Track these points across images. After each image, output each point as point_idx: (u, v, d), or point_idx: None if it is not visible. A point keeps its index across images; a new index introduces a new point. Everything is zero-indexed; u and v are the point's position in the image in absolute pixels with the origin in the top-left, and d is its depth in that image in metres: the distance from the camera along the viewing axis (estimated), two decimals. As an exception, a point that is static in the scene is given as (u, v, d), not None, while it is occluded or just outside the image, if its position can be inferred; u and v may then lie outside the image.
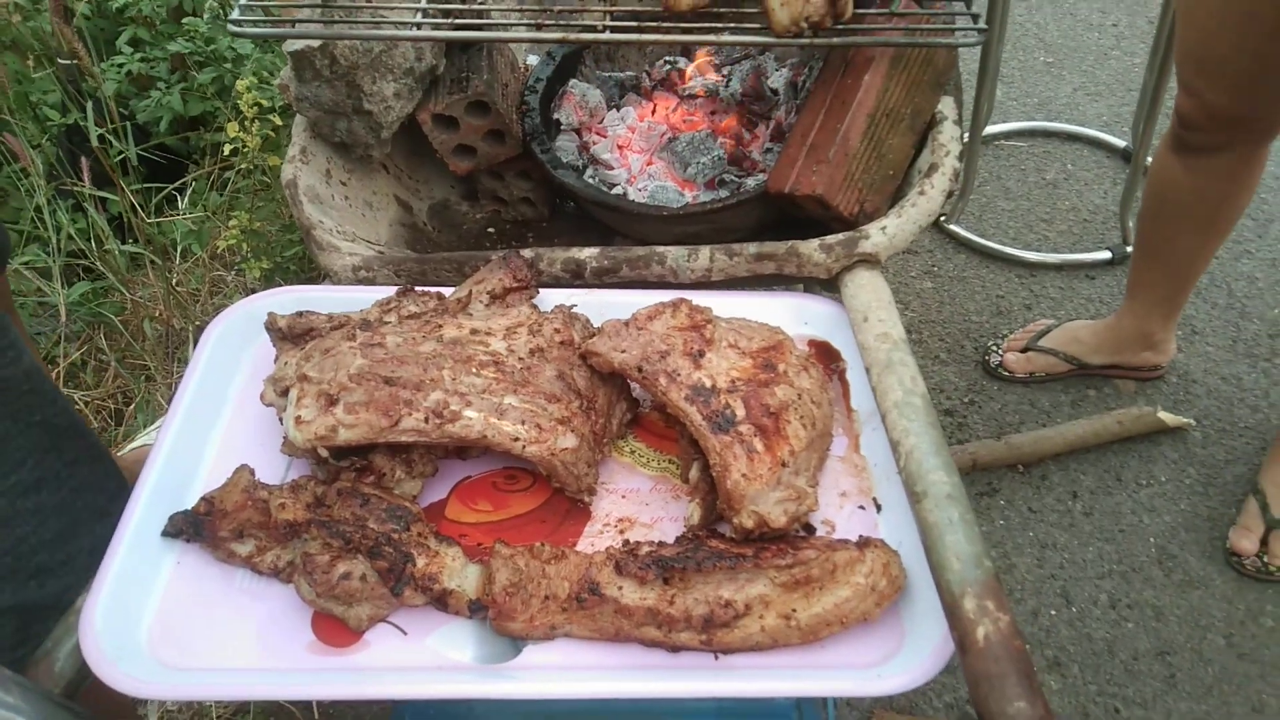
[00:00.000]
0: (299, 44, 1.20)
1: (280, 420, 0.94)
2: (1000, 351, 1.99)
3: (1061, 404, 1.93)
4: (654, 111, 1.55)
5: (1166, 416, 1.84)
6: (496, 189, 1.50)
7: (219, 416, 1.00)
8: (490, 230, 1.52)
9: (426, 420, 0.87)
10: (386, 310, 1.04)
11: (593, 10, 1.24)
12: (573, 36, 1.15)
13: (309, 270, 2.15)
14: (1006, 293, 2.17)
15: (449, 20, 1.20)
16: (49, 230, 2.17)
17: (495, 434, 0.88)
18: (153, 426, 1.86)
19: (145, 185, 2.22)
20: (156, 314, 2.12)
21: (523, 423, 0.89)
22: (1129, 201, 2.18)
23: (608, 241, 1.46)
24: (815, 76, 1.42)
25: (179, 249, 2.23)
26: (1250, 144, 1.55)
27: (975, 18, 1.16)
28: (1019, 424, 1.91)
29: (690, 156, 1.40)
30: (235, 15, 1.14)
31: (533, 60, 1.60)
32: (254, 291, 2.15)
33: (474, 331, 0.99)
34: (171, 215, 2.30)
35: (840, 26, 1.13)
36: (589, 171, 1.46)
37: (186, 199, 2.36)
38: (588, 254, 1.14)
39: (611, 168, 1.46)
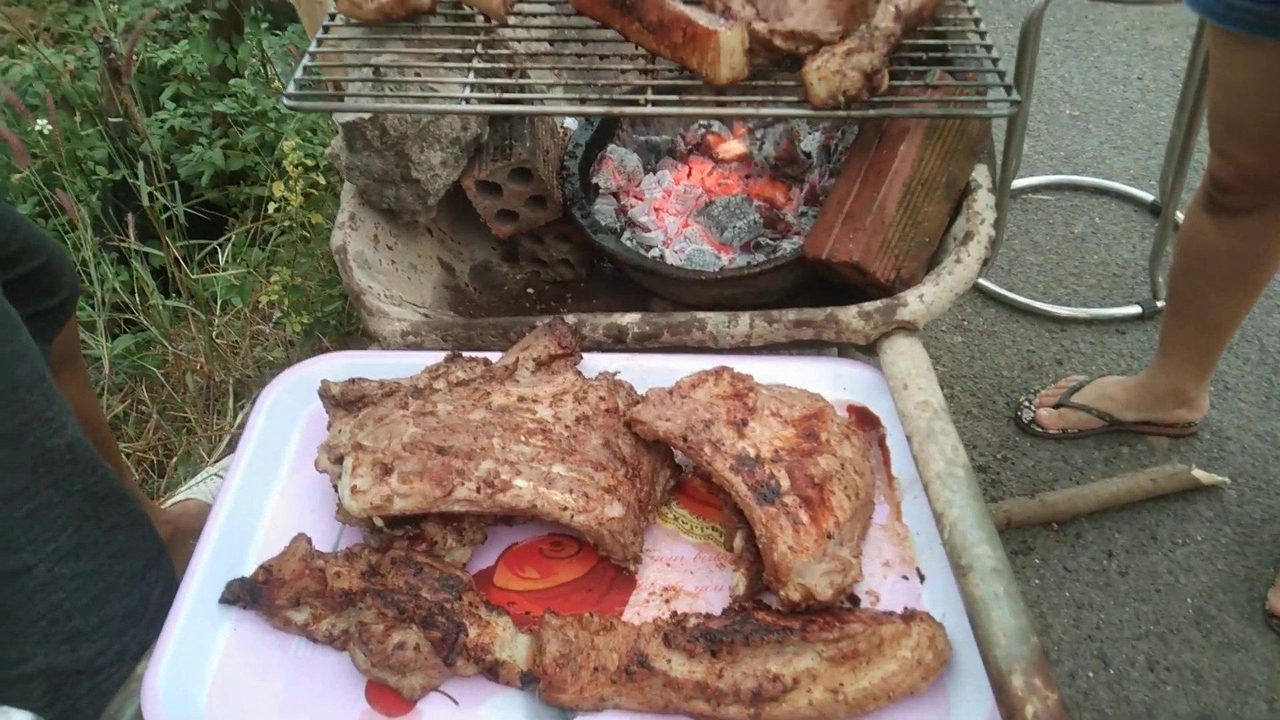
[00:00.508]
0: (351, 115, 1.24)
1: (334, 487, 0.96)
2: (1032, 407, 1.99)
3: (1095, 461, 1.93)
4: (689, 175, 1.58)
5: (1201, 474, 1.84)
6: (536, 251, 1.53)
7: (274, 482, 1.03)
8: (530, 291, 1.55)
9: (478, 490, 0.89)
10: (436, 376, 1.07)
11: (634, 83, 1.28)
12: (616, 110, 1.19)
13: (349, 324, 2.19)
14: (1037, 347, 2.18)
15: (495, 95, 1.24)
16: (94, 284, 2.23)
17: (544, 503, 0.90)
18: (195, 480, 1.89)
19: (189, 242, 2.27)
20: (198, 367, 2.16)
21: (570, 491, 0.91)
22: (1158, 257, 2.19)
23: (645, 302, 1.49)
24: (849, 142, 1.45)
25: (220, 302, 2.28)
26: (1284, 205, 1.56)
27: (1009, 89, 1.18)
28: (1052, 481, 1.91)
29: (726, 221, 1.43)
30: (291, 90, 1.18)
31: (571, 124, 1.64)
32: (293, 345, 2.19)
33: (521, 399, 1.01)
34: (213, 269, 2.35)
35: (876, 99, 1.16)
36: (626, 234, 1.49)
37: (228, 252, 2.41)
38: (629, 320, 1.16)
39: (648, 230, 1.49)
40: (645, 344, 1.17)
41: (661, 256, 1.44)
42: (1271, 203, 1.54)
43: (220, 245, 2.39)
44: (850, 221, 1.22)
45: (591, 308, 1.49)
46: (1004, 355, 2.16)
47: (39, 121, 2.26)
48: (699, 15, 1.17)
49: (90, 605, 1.09)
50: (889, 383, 1.07)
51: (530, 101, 1.23)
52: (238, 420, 2.11)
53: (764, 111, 1.18)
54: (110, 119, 2.45)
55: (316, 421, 1.08)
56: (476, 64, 1.25)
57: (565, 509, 0.90)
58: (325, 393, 1.04)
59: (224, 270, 2.33)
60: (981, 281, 2.30)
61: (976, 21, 1.32)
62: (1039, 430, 1.97)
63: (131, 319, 2.26)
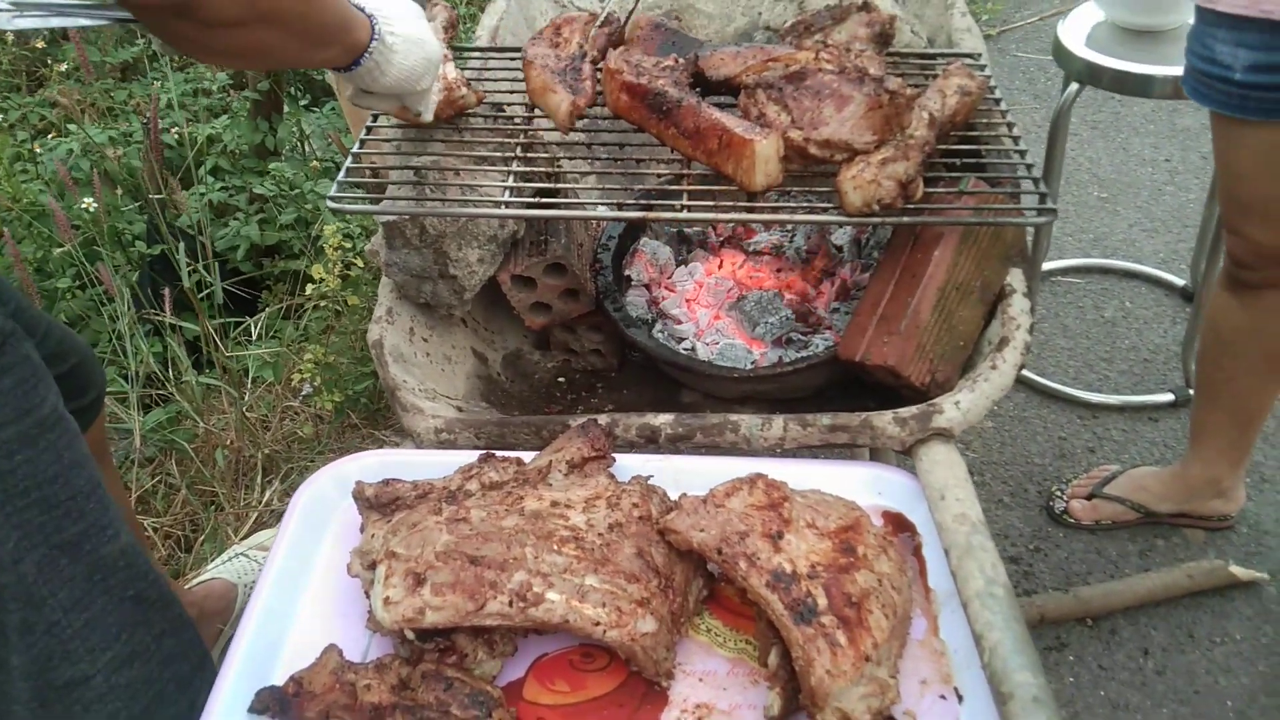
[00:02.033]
0: (390, 215, 1.27)
1: (366, 594, 0.96)
2: (1065, 497, 1.97)
3: (1129, 554, 1.90)
4: (721, 267, 1.59)
5: (1238, 571, 1.80)
6: (568, 341, 1.54)
7: (306, 585, 1.03)
8: (561, 380, 1.55)
9: (510, 604, 0.89)
10: (469, 477, 1.07)
11: (669, 188, 1.29)
12: (652, 216, 1.20)
13: (378, 403, 2.20)
14: (1069, 434, 2.16)
15: (534, 199, 1.26)
16: (128, 357, 2.26)
17: (577, 618, 0.89)
18: (221, 559, 1.89)
19: (224, 320, 2.30)
20: (228, 442, 2.18)
21: (603, 605, 0.90)
22: (1191, 344, 2.18)
23: (676, 393, 1.49)
24: (881, 238, 1.46)
25: (251, 376, 2.31)
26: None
27: (1043, 196, 1.19)
28: (1086, 574, 1.87)
29: (758, 316, 1.43)
30: (334, 192, 1.21)
31: (604, 210, 1.66)
32: (324, 421, 2.21)
33: (554, 504, 1.01)
34: (246, 341, 2.38)
35: (910, 206, 1.17)
36: (658, 325, 1.50)
37: (260, 325, 2.45)
38: (662, 420, 1.17)
39: (680, 322, 1.50)
40: (678, 445, 1.17)
41: (693, 349, 1.45)
42: None
43: (254, 321, 2.42)
44: (884, 324, 1.22)
45: (623, 398, 1.50)
46: (1035, 442, 2.14)
47: (85, 199, 2.31)
48: (735, 123, 1.19)
49: (143, 714, 1.09)
50: (926, 492, 1.06)
51: (566, 206, 1.25)
52: (265, 498, 2.12)
53: (798, 219, 1.19)
54: (151, 195, 2.51)
55: (350, 522, 1.08)
56: (515, 166, 1.28)
57: (598, 624, 0.89)
58: (359, 495, 1.04)
59: (257, 344, 2.36)
60: (1011, 365, 2.29)
61: (1010, 125, 1.33)
62: (1072, 521, 1.94)
63: (164, 393, 2.29)
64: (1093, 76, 1.90)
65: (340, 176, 1.24)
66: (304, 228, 2.67)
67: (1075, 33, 1.98)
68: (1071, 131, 2.38)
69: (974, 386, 1.14)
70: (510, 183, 1.28)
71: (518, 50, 1.54)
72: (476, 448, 1.19)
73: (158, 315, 2.26)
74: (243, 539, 2.04)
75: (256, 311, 2.56)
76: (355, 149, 1.30)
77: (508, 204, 1.20)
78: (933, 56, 1.52)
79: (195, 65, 3.47)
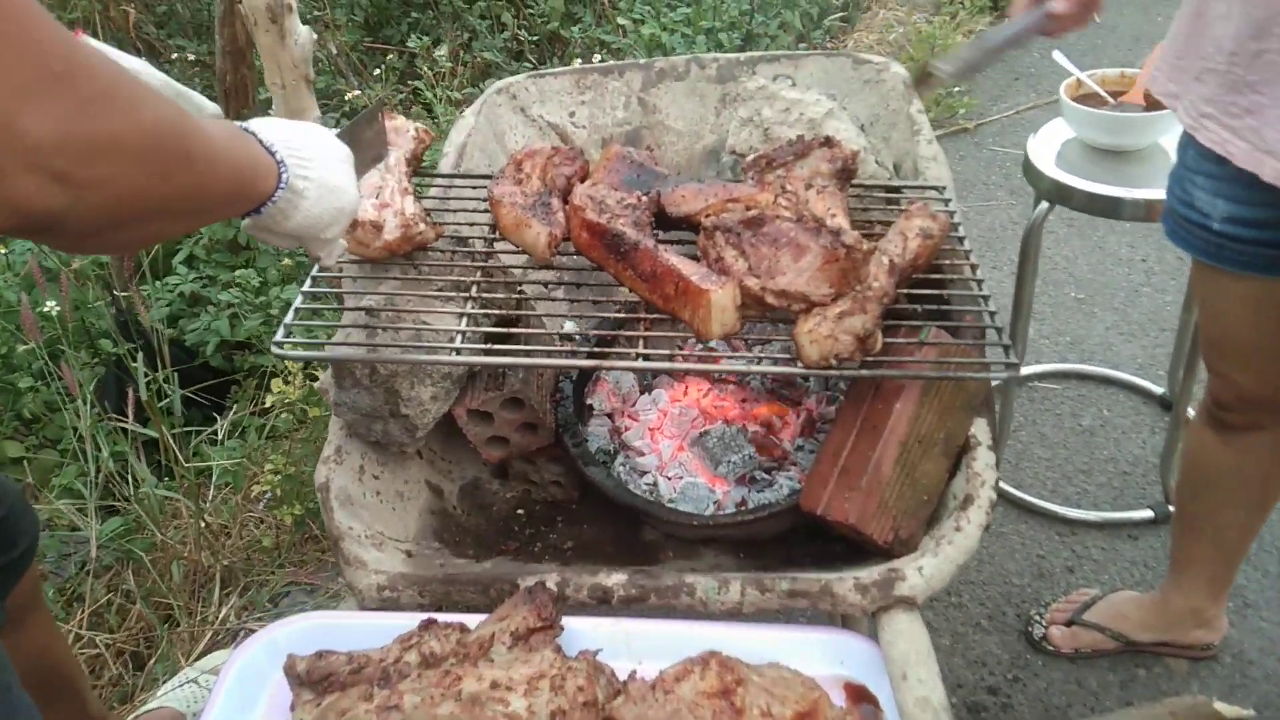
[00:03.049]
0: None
1: (290, 787, 0.90)
2: (1044, 623, 1.91)
3: (1110, 684, 1.84)
4: (685, 394, 1.56)
5: (1223, 707, 1.73)
6: (528, 472, 1.50)
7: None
8: (520, 512, 1.51)
9: (439, 810, 0.83)
10: (408, 648, 1.02)
11: (627, 333, 1.27)
12: (607, 364, 1.17)
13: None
14: (1048, 552, 2.11)
15: (488, 340, 1.23)
16: (89, 461, 2.21)
17: (510, 825, 0.84)
18: (169, 686, 1.82)
19: (185, 429, 2.26)
20: (185, 554, 2.12)
21: (540, 807, 0.85)
22: (1170, 459, 2.15)
23: (637, 528, 1.45)
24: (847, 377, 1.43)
25: (214, 481, 2.25)
26: (1287, 422, 1.52)
27: (1007, 349, 1.17)
28: (1066, 705, 1.81)
29: (721, 454, 1.39)
30: (279, 335, 1.17)
31: (570, 326, 1.63)
32: (283, 532, 2.15)
33: (494, 684, 0.96)
34: (213, 439, 2.33)
35: (869, 359, 1.14)
36: (620, 458, 1.46)
37: (225, 424, 2.39)
38: (615, 580, 1.12)
39: (643, 454, 1.46)
40: (631, 606, 1.12)
41: (655, 484, 1.41)
42: (1274, 420, 1.50)
43: (219, 411, 2.38)
44: (845, 477, 1.18)
45: (583, 533, 1.45)
46: (1013, 560, 2.09)
47: (49, 302, 2.28)
48: (691, 269, 1.17)
49: None
50: (887, 667, 1.02)
51: (518, 354, 1.22)
52: (221, 614, 2.05)
53: (755, 369, 1.16)
54: (116, 292, 2.49)
55: (283, 696, 1.02)
56: (470, 308, 1.25)
57: (533, 832, 0.84)
58: (290, 670, 0.99)
59: (220, 448, 2.31)
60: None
61: (974, 267, 1.32)
62: (1051, 649, 1.89)
63: (125, 499, 2.23)
64: (1062, 196, 1.89)
65: (288, 318, 1.21)
66: (272, 324, 2.63)
67: (1045, 150, 1.98)
68: (1048, 229, 2.37)
69: (938, 549, 1.10)
70: (464, 323, 1.25)
71: (483, 178, 1.52)
72: (420, 606, 1.15)
73: (117, 421, 2.21)
74: (195, 660, 1.97)
75: (226, 406, 2.52)
76: (305, 287, 1.27)
77: (459, 350, 1.16)
78: (898, 189, 1.51)
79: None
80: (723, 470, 1.38)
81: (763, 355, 1.19)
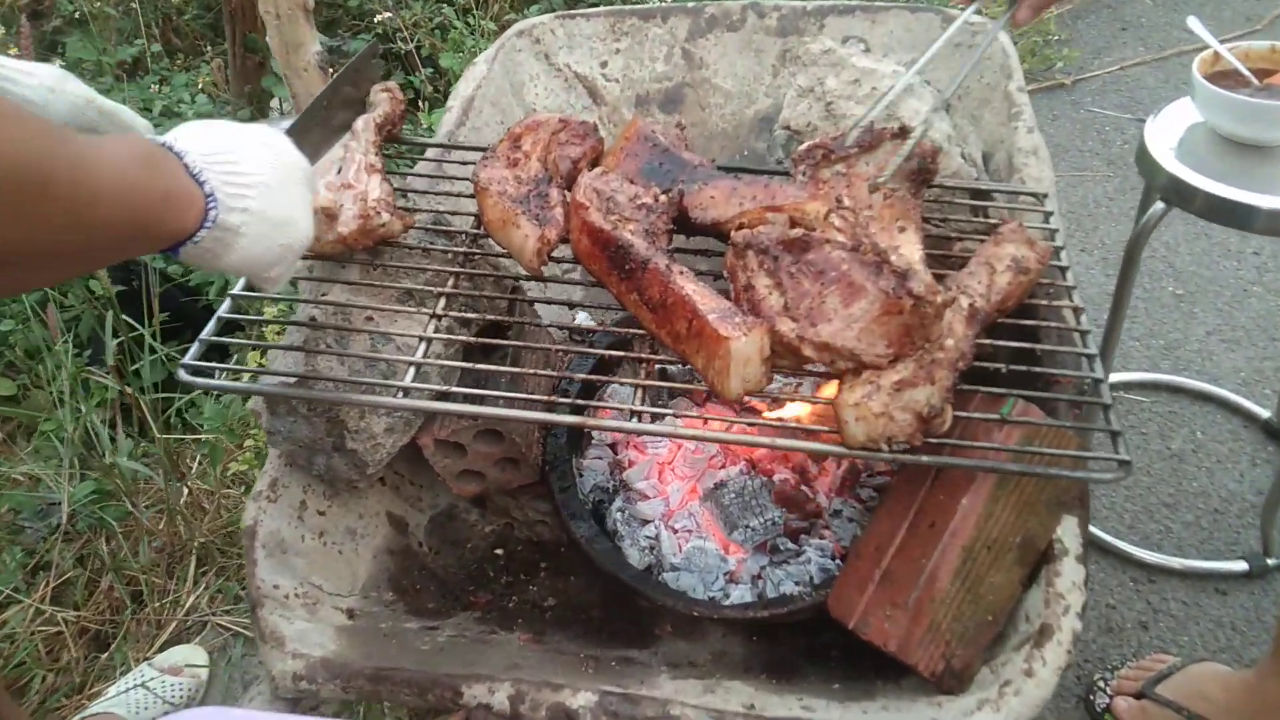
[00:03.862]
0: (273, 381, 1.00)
1: None
2: (1109, 691, 1.65)
3: (1183, 774, 1.59)
4: (705, 423, 1.30)
5: (1318, 821, 1.48)
6: (509, 506, 1.27)
7: None
8: (498, 552, 1.28)
9: None
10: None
11: (626, 380, 1.01)
12: (593, 423, 0.92)
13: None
14: (1119, 601, 1.84)
15: (440, 387, 0.98)
16: (67, 415, 2.03)
17: None
18: (122, 684, 1.67)
19: (165, 394, 2.07)
20: (159, 527, 1.94)
21: None
22: (1276, 506, 1.85)
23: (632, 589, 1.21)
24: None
25: (196, 452, 2.07)
26: None
27: (1116, 437, 0.89)
28: (1128, 796, 1.57)
29: (739, 515, 1.14)
30: (189, 359, 0.94)
31: (584, 318, 1.39)
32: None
33: None
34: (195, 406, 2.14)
35: (934, 441, 0.87)
36: (618, 502, 1.22)
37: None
38: (582, 703, 0.89)
39: (647, 497, 1.22)
40: (601, 732, 0.89)
41: (657, 538, 1.17)
42: None
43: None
44: (889, 587, 0.93)
45: (569, 588, 1.22)
46: (1078, 608, 1.83)
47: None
48: (710, 305, 0.91)
49: None
50: None
51: (481, 399, 0.97)
52: (190, 601, 1.88)
53: (781, 444, 0.90)
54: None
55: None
56: (432, 334, 1.00)
57: None
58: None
59: (216, 401, 2.12)
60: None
61: (1077, 312, 1.03)
62: (1115, 723, 1.63)
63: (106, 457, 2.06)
64: (1181, 197, 1.56)
65: (207, 330, 0.97)
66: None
67: (1164, 137, 1.65)
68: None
69: (1000, 702, 0.84)
70: (430, 332, 1.01)
71: (478, 149, 1.26)
72: (345, 705, 0.93)
73: (98, 377, 2.03)
74: (157, 650, 1.81)
75: (229, 353, 2.33)
76: (237, 289, 1.03)
77: (405, 393, 0.92)
78: (987, 194, 1.21)
79: (197, 68, 3.26)
80: (738, 537, 1.14)
81: (792, 422, 0.94)
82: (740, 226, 1.01)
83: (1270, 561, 1.86)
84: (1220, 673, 1.64)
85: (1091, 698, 1.67)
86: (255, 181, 0.77)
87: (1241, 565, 1.87)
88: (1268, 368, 2.32)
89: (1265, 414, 2.17)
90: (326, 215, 1.03)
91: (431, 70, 2.77)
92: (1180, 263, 2.69)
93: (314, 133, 1.03)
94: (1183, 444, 2.15)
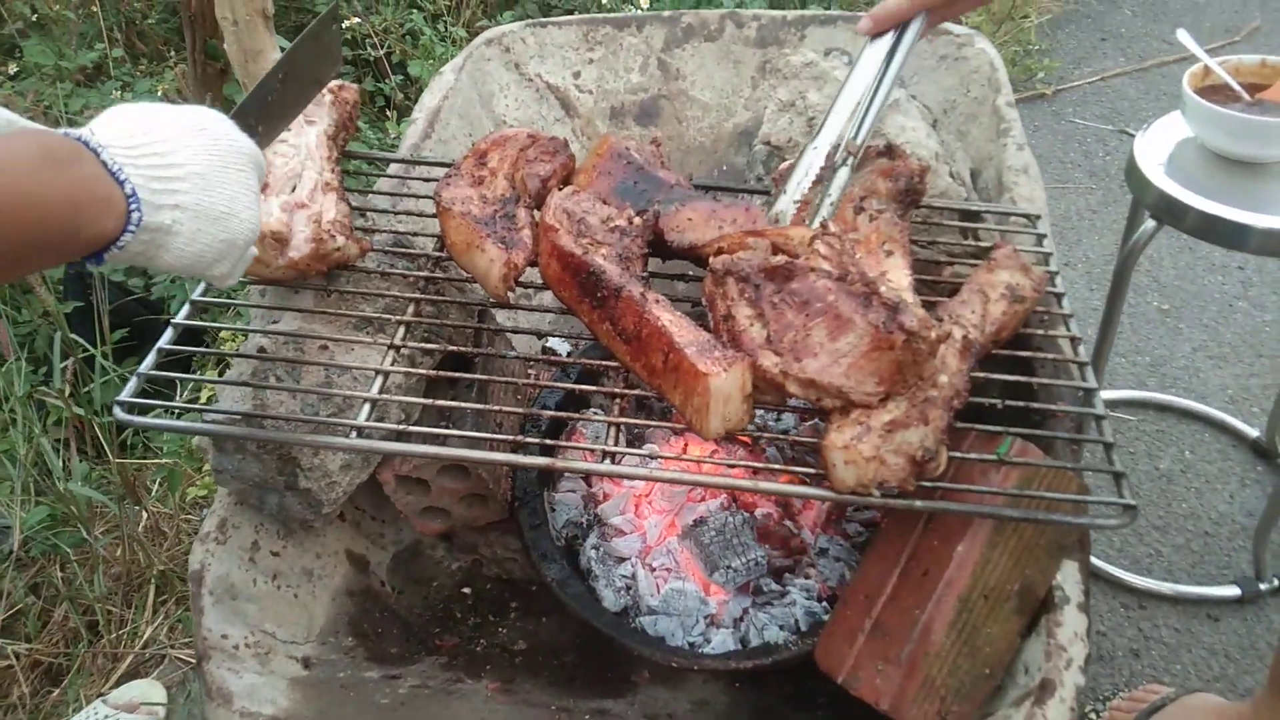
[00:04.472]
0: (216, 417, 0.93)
1: None
2: (1100, 723, 1.61)
3: (1178, 811, 1.54)
4: (685, 449, 1.24)
5: None
6: (477, 543, 1.20)
7: None
8: (465, 590, 1.21)
9: None
10: None
11: (603, 417, 0.95)
12: (561, 464, 0.86)
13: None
14: (1109, 628, 1.79)
15: (399, 425, 0.91)
16: (19, 436, 1.95)
17: None
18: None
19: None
20: (116, 555, 1.86)
21: None
22: (1268, 528, 1.81)
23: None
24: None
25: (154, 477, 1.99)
26: None
27: (1119, 478, 0.84)
28: (1121, 833, 1.51)
29: (720, 555, 1.08)
30: (127, 393, 0.86)
31: (558, 345, 1.32)
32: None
33: None
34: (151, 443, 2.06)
35: (927, 485, 0.82)
36: (592, 538, 1.16)
37: (182, 398, 2.12)
38: (551, 767, 0.82)
39: (623, 533, 1.15)
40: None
41: (633, 578, 1.11)
42: None
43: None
44: (880, 638, 0.87)
45: (540, 630, 1.16)
46: (1067, 635, 1.78)
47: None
48: (688, 338, 0.85)
49: None
50: None
51: (443, 439, 0.90)
52: (148, 633, 1.80)
53: (763, 487, 0.84)
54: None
55: None
56: (390, 366, 0.93)
57: None
58: None
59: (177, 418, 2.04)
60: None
61: (1074, 341, 0.98)
62: (1107, 758, 1.59)
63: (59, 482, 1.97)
64: (1172, 215, 1.52)
65: (146, 363, 0.90)
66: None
67: (1154, 152, 1.60)
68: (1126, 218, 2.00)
69: (998, 767, 0.78)
70: (389, 364, 0.94)
71: (442, 165, 1.20)
72: (294, 770, 0.86)
73: (51, 398, 1.94)
74: (112, 686, 1.73)
75: (191, 373, 2.25)
76: (181, 316, 0.96)
77: (359, 431, 0.85)
78: (977, 215, 1.16)
79: (162, 75, 3.17)
80: (719, 578, 1.07)
81: (776, 465, 0.88)
82: (719, 251, 0.95)
83: (1263, 586, 1.82)
84: (1215, 704, 1.59)
85: (1083, 730, 1.61)
86: (187, 173, 0.69)
87: (1234, 590, 1.83)
88: (1254, 385, 2.29)
89: (1254, 432, 2.14)
90: (275, 241, 0.96)
91: (402, 77, 2.69)
92: (1165, 277, 2.65)
93: (265, 112, 0.93)
94: (1171, 464, 2.11)
